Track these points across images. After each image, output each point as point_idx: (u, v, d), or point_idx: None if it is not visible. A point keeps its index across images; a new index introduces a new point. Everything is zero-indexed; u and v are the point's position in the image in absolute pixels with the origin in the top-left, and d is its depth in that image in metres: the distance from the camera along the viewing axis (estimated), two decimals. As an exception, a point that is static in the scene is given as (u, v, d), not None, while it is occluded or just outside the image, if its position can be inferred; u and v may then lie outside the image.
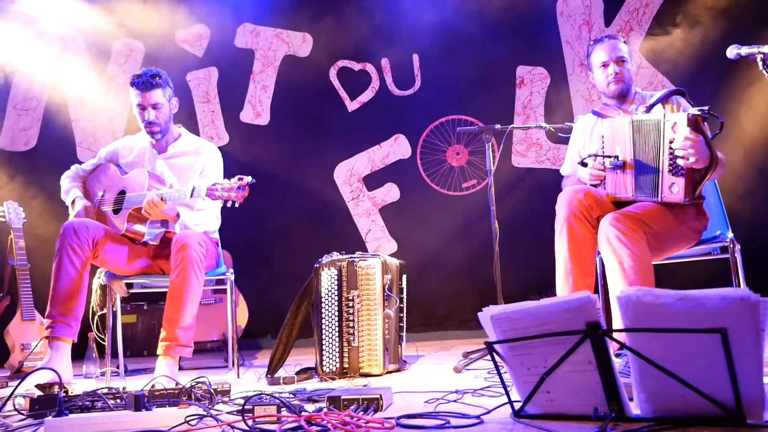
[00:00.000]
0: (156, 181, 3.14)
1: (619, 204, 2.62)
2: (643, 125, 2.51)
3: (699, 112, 2.41)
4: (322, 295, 3.03)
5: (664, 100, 2.75)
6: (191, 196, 2.92)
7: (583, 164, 2.68)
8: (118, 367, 3.41)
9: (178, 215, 3.11)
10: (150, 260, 3.19)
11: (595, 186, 2.68)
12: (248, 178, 2.84)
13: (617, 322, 2.25)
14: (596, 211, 2.54)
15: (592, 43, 2.93)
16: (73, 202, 3.26)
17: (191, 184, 2.95)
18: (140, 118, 3.22)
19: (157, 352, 2.92)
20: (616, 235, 2.38)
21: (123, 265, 3.12)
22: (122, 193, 3.19)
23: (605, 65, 2.83)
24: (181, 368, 3.40)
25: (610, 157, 2.58)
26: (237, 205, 2.87)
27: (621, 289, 2.30)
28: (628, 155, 2.55)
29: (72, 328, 2.92)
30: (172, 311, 2.91)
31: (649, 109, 2.71)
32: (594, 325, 1.63)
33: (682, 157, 2.39)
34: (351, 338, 2.99)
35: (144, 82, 3.16)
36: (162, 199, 2.96)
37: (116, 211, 3.16)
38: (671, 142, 2.42)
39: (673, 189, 2.43)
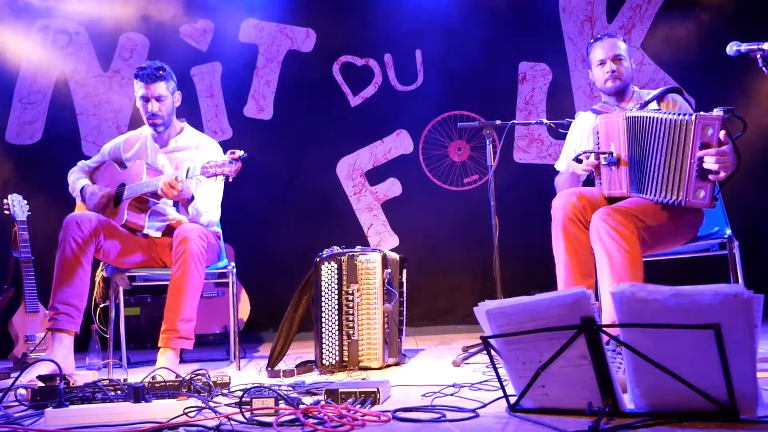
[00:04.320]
0: (154, 172, 3.17)
1: (613, 202, 2.61)
2: (644, 121, 2.48)
3: (722, 112, 2.35)
4: (322, 288, 3.05)
5: (659, 98, 2.74)
6: (186, 176, 2.95)
7: (578, 161, 2.68)
8: (120, 359, 3.43)
9: (192, 198, 3.12)
10: (152, 253, 3.21)
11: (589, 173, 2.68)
12: (240, 152, 2.86)
13: (606, 317, 2.27)
14: (590, 213, 2.52)
15: (591, 41, 2.94)
16: (82, 189, 3.29)
17: (186, 166, 2.97)
18: (143, 109, 3.25)
19: (158, 345, 2.95)
20: (606, 230, 2.38)
21: (124, 258, 3.14)
22: (122, 186, 3.21)
23: (603, 63, 2.83)
24: (183, 360, 3.42)
25: (604, 153, 2.59)
26: (231, 179, 2.89)
27: (609, 283, 2.31)
28: (623, 151, 2.54)
29: (74, 320, 2.94)
30: (173, 304, 2.94)
31: (643, 106, 2.70)
32: (589, 320, 1.64)
33: (717, 171, 2.33)
34: (351, 332, 3.00)
35: (149, 74, 3.18)
36: (176, 179, 2.98)
37: (116, 203, 3.18)
38: (703, 145, 2.36)
39: (699, 194, 2.39)
